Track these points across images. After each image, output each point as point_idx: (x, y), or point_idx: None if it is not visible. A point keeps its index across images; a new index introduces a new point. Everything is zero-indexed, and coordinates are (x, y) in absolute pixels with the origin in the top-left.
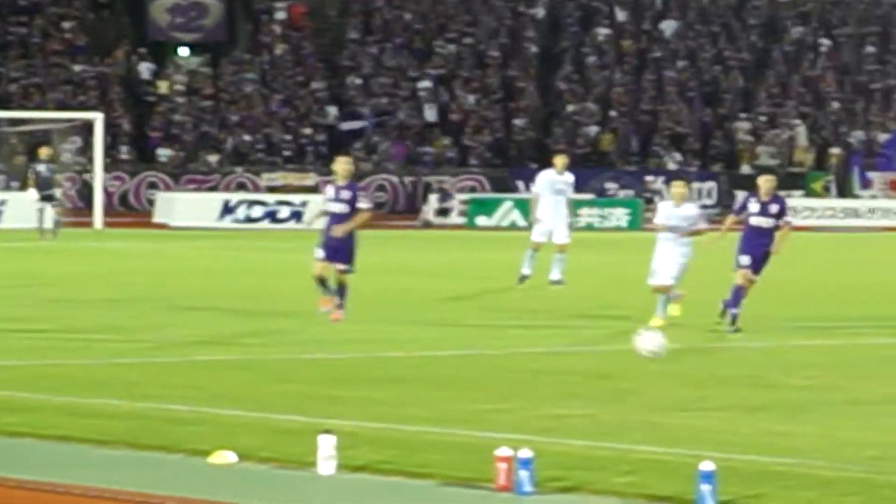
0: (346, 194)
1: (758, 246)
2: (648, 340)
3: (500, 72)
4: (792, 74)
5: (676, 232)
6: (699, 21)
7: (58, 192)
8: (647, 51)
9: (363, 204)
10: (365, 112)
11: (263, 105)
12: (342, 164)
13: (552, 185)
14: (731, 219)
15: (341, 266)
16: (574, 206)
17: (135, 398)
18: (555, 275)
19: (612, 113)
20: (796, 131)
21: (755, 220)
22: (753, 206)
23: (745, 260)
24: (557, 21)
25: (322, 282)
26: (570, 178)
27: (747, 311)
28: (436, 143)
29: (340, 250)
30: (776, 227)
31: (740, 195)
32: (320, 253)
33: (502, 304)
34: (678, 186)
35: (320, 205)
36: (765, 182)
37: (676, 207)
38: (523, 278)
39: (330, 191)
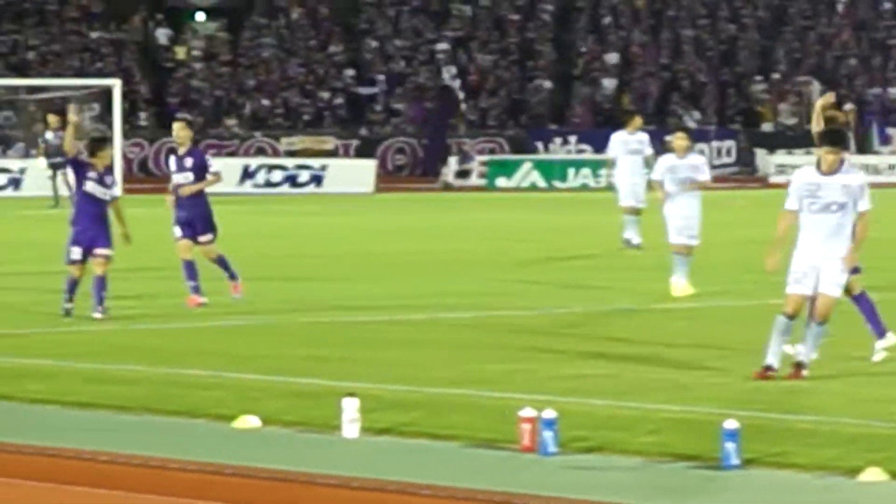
0: (188, 162)
1: None
2: None
3: (518, 34)
4: (808, 31)
5: (685, 185)
6: None
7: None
8: (663, 10)
9: (214, 168)
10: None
11: (281, 69)
12: (181, 130)
13: (625, 145)
14: None
15: (206, 237)
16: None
17: (156, 364)
18: (637, 238)
19: (630, 73)
20: (811, 89)
21: None
22: None
23: None
24: None
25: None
26: (643, 137)
27: None
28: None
29: (198, 220)
30: None
31: (759, 153)
32: (179, 231)
33: (523, 265)
34: (680, 138)
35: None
36: None
37: (681, 159)
38: (628, 242)
39: (172, 162)
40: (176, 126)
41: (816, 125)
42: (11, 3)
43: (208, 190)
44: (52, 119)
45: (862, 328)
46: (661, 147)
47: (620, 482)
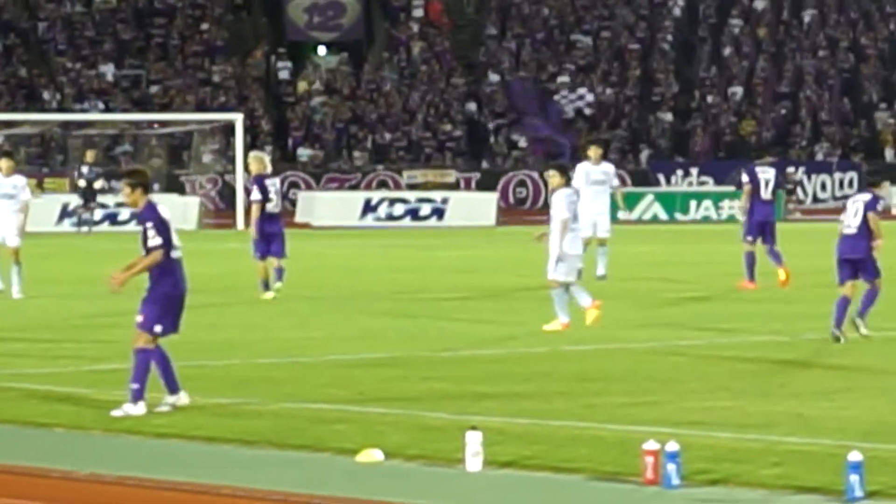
0: None
1: None
2: None
3: (639, 65)
4: None
5: None
6: (836, 10)
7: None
8: (784, 41)
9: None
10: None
11: (402, 103)
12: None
13: (588, 176)
14: None
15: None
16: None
17: (280, 398)
18: (600, 270)
19: (752, 103)
20: None
21: None
22: None
23: None
24: (695, 13)
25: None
26: (607, 167)
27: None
28: (578, 136)
29: None
30: None
31: (885, 184)
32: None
33: (643, 298)
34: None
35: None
36: None
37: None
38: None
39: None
40: None
41: None
42: (134, 39)
43: None
44: (90, 154)
45: None
46: (783, 179)
47: None
